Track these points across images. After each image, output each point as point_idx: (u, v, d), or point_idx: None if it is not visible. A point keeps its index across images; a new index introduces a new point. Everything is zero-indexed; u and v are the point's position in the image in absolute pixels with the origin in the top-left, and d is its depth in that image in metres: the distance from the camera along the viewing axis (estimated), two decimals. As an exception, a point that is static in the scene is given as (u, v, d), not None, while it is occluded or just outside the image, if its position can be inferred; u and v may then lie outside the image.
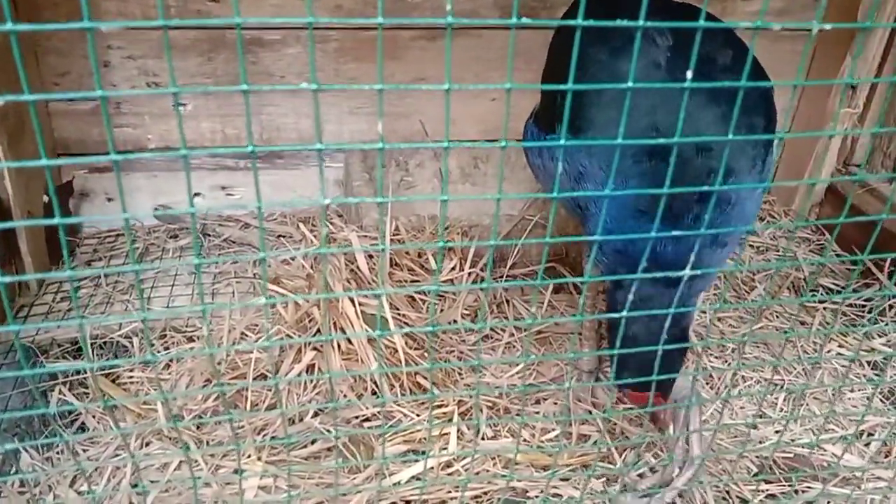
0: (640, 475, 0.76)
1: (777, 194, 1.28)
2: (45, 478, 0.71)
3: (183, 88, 0.37)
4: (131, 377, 0.82)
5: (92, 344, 0.87)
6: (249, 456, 0.70)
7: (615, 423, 0.80)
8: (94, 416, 0.78)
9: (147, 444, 0.73)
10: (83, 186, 1.10)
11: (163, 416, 0.72)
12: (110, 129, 0.34)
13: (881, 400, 0.91)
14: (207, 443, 0.70)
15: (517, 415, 0.77)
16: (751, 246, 1.15)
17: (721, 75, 0.63)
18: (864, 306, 1.05)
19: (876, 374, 0.95)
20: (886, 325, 1.00)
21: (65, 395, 0.80)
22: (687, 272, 0.45)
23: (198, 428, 0.73)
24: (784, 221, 1.23)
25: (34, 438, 0.75)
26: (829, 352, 0.96)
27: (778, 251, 1.15)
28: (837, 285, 1.09)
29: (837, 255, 1.13)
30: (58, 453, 0.74)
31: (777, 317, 1.01)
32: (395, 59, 1.09)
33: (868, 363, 0.96)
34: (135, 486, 0.69)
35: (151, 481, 0.69)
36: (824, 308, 1.03)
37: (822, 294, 1.06)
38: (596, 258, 0.65)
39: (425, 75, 1.09)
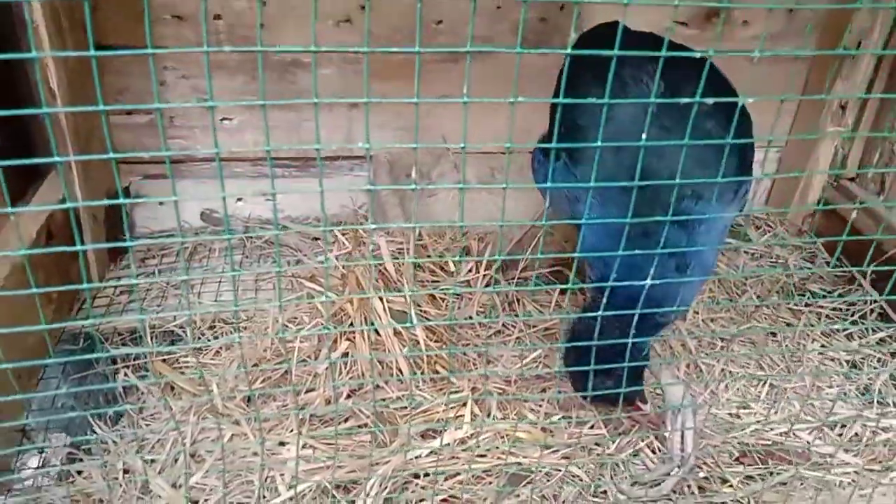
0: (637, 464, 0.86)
1: (773, 204, 1.38)
2: (114, 447, 0.83)
3: (218, 102, 0.48)
4: (186, 362, 0.94)
5: (150, 333, 0.99)
6: (292, 430, 0.81)
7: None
8: (153, 395, 0.90)
9: (203, 419, 0.84)
10: (137, 192, 1.22)
11: (217, 394, 0.83)
12: (164, 136, 0.45)
13: (856, 395, 1.00)
14: (255, 419, 0.82)
15: (515, 394, 0.88)
16: (746, 252, 1.25)
17: (703, 119, 0.72)
18: (847, 310, 1.14)
19: (854, 372, 1.04)
20: (865, 327, 1.10)
21: (128, 377, 0.91)
22: (648, 282, 0.56)
23: (247, 404, 0.84)
24: (780, 230, 1.32)
25: (107, 414, 0.87)
26: (811, 351, 1.05)
27: (771, 258, 1.25)
28: (824, 290, 1.18)
29: (836, 266, 1.22)
30: (123, 427, 0.86)
31: (765, 319, 1.11)
32: (422, 80, 1.19)
33: (847, 362, 1.06)
34: (192, 454, 0.81)
35: (207, 451, 0.80)
36: (809, 311, 1.12)
37: (808, 297, 1.15)
38: (586, 265, 0.75)
39: (448, 94, 1.20)
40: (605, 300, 0.61)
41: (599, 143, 0.49)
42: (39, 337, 0.83)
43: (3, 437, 0.81)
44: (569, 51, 0.45)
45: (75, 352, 0.95)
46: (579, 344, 0.73)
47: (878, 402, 0.98)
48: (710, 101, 0.48)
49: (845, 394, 0.99)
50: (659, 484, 0.81)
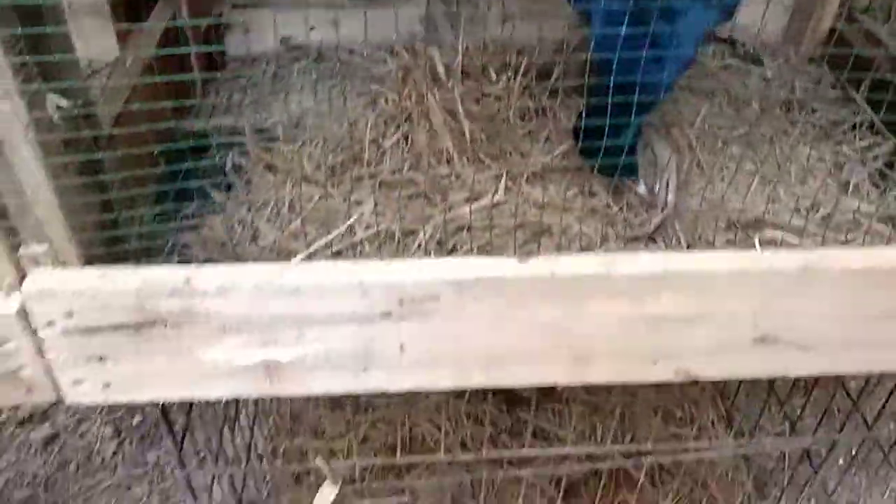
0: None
1: (786, 37, 1.51)
2: (229, 205, 1.07)
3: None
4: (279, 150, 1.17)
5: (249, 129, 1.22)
6: (366, 191, 1.05)
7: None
8: (256, 173, 1.14)
9: (295, 186, 1.08)
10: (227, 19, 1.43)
11: (306, 166, 1.07)
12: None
13: (836, 187, 1.18)
14: (337, 185, 1.05)
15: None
16: (757, 77, 1.40)
17: None
18: (842, 122, 1.30)
19: (837, 170, 1.21)
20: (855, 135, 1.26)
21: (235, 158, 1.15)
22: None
23: (331, 174, 1.07)
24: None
25: (218, 184, 1.11)
26: (802, 153, 1.22)
27: (781, 81, 1.40)
28: (823, 107, 1.34)
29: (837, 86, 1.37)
30: (235, 194, 1.11)
31: (765, 127, 1.28)
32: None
33: (832, 163, 1.23)
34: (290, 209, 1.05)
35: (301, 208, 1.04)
36: (806, 122, 1.29)
37: (808, 111, 1.32)
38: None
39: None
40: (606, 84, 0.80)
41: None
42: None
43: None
44: None
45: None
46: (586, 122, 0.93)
47: (852, 193, 1.16)
48: None
49: (828, 184, 1.17)
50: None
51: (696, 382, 1.99)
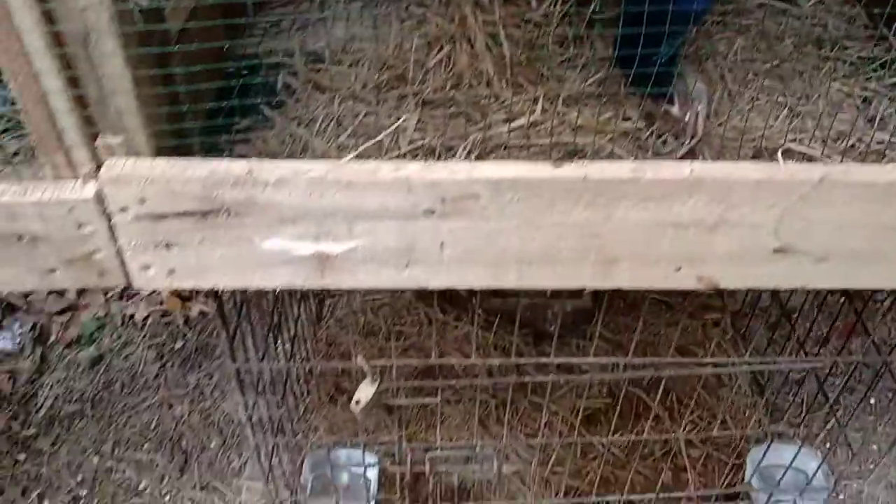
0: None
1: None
2: (280, 121, 1.14)
3: None
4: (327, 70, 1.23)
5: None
6: (410, 108, 1.11)
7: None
8: (305, 91, 1.20)
9: (342, 103, 1.14)
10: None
11: (356, 87, 1.13)
12: None
13: (863, 121, 1.21)
14: (382, 103, 1.11)
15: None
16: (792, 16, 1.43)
17: None
18: (872, 59, 1.33)
19: (865, 105, 1.24)
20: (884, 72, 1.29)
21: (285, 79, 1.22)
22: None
23: (377, 94, 1.13)
24: None
25: (270, 102, 1.18)
26: (831, 88, 1.26)
27: (815, 19, 1.43)
28: (855, 44, 1.36)
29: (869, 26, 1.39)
30: (283, 115, 1.17)
31: (797, 62, 1.31)
32: None
33: (860, 97, 1.26)
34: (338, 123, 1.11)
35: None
36: (836, 58, 1.32)
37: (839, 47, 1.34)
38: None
39: None
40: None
41: None
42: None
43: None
44: None
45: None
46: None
47: (878, 127, 1.20)
48: None
49: (855, 118, 1.21)
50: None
51: (717, 324, 2.05)
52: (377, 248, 0.88)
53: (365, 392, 1.07)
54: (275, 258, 0.88)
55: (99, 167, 0.84)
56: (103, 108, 0.80)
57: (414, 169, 0.83)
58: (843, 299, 1.53)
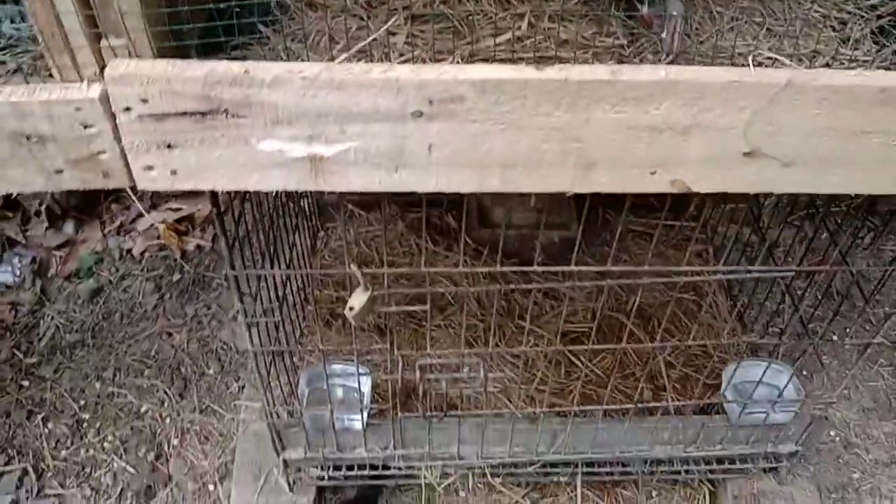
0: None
1: None
2: (274, 36, 1.18)
3: None
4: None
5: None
6: (398, 24, 1.14)
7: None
8: (300, 11, 1.24)
9: (335, 19, 1.18)
10: None
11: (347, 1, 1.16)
12: None
13: (838, 41, 1.26)
14: (373, 18, 1.14)
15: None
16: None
17: None
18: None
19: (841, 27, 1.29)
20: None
21: None
22: None
23: (369, 6, 1.17)
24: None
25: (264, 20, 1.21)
26: (809, 9, 1.30)
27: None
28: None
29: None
30: (277, 31, 1.21)
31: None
32: None
33: (837, 19, 1.30)
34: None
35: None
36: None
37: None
38: None
39: None
40: None
41: None
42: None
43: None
44: None
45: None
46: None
47: (851, 46, 1.24)
48: None
49: (829, 37, 1.25)
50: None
51: (699, 255, 2.11)
52: (368, 150, 0.93)
53: (358, 299, 1.13)
54: (271, 159, 0.93)
55: (103, 70, 0.88)
56: (106, 10, 0.84)
57: (403, 70, 0.88)
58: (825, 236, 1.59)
